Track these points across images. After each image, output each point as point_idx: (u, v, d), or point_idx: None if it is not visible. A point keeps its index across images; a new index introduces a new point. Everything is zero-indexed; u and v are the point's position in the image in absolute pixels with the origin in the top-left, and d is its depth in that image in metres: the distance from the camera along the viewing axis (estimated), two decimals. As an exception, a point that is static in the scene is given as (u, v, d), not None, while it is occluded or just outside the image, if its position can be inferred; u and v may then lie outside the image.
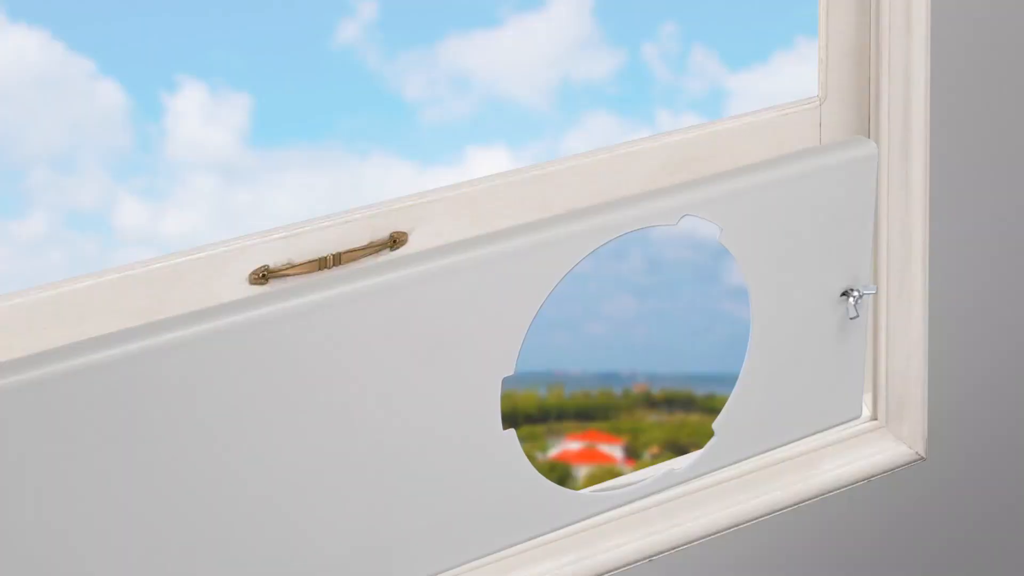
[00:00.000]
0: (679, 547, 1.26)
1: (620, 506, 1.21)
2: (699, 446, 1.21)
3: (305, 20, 1.07)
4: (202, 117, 1.05)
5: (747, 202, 1.15)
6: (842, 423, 1.31)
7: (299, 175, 1.09)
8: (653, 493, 1.22)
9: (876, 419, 1.36)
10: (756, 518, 1.29)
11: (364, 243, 1.05)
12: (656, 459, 1.25)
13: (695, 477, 1.23)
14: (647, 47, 1.19)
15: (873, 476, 1.34)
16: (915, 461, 1.37)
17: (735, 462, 1.25)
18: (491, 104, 1.15)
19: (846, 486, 1.33)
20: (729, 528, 1.28)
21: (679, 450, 1.24)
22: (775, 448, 1.28)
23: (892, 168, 1.25)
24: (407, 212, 1.07)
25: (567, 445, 1.21)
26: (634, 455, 1.24)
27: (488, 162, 1.13)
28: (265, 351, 0.98)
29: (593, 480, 1.21)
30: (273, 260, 1.03)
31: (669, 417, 1.24)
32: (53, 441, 0.92)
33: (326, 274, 1.03)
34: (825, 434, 1.33)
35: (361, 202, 1.06)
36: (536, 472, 1.13)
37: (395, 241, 1.06)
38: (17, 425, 0.91)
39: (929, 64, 1.22)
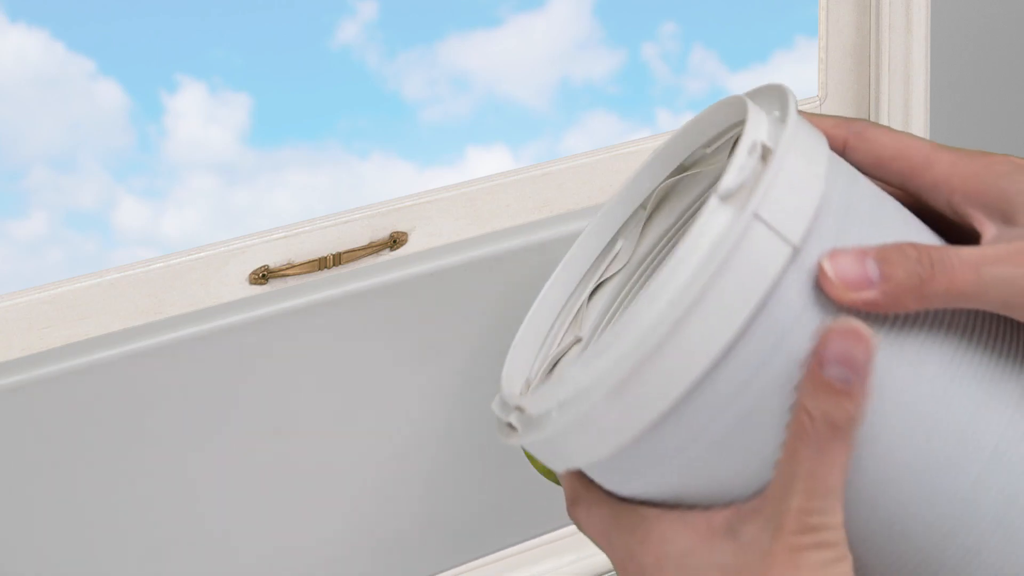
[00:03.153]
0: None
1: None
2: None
3: (305, 20, 1.07)
4: (202, 117, 1.05)
5: (747, 202, 1.15)
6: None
7: (299, 175, 1.09)
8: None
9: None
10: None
11: (364, 243, 1.05)
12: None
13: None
14: (647, 47, 1.19)
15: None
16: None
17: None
18: (491, 104, 1.15)
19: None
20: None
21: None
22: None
23: (892, 168, 1.25)
24: (407, 212, 1.07)
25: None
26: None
27: (488, 162, 1.13)
28: (265, 351, 0.98)
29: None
30: (273, 260, 1.03)
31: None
32: (53, 441, 0.92)
33: (326, 274, 1.03)
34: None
35: (361, 202, 1.06)
36: (536, 472, 1.13)
37: (395, 241, 1.06)
38: (17, 425, 0.91)
39: (929, 64, 1.22)
